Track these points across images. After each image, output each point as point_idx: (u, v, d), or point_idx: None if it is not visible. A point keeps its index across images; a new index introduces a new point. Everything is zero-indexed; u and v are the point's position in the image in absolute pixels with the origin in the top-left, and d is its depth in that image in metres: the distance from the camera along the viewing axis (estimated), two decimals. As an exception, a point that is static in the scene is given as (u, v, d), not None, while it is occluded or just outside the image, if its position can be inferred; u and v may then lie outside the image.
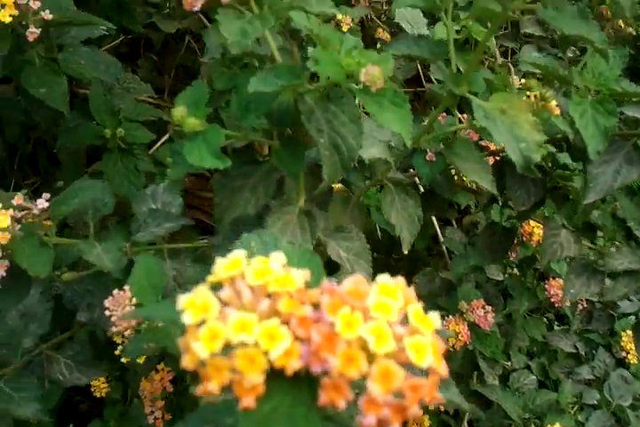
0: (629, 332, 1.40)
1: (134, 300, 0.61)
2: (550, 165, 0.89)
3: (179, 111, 0.53)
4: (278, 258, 0.27)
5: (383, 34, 1.53)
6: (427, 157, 0.81)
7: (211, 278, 0.27)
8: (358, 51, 0.50)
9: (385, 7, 1.51)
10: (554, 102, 0.72)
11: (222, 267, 0.27)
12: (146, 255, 0.64)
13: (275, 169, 0.60)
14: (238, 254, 0.27)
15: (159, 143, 1.35)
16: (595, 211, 0.99)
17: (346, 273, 0.65)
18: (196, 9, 0.52)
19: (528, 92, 0.72)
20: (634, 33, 0.87)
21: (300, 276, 0.26)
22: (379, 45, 1.42)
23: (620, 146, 0.78)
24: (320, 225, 0.66)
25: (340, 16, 1.42)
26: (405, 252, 0.70)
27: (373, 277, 0.27)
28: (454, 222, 1.57)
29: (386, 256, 1.71)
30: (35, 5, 0.74)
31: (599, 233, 1.02)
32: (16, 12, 0.72)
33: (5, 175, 1.72)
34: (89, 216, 0.72)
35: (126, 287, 0.61)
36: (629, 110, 0.74)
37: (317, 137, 0.52)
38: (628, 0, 0.76)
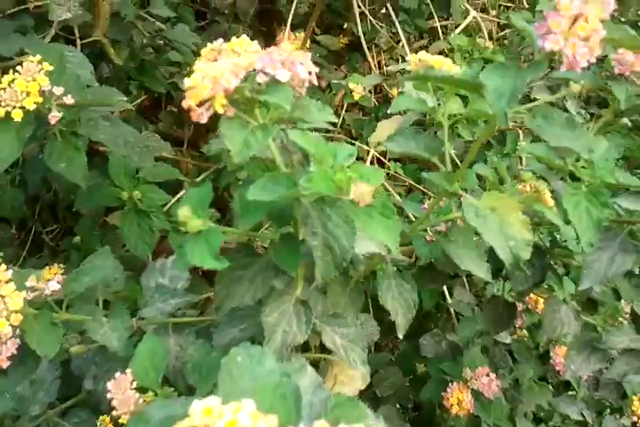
0: (641, 395, 1.38)
1: (135, 383, 0.63)
2: (549, 245, 0.91)
3: (183, 211, 0.56)
4: (248, 406, 0.30)
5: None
6: (427, 238, 0.84)
7: (185, 423, 0.30)
8: (351, 165, 0.53)
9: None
10: (547, 194, 0.75)
11: (196, 413, 0.30)
12: (150, 336, 0.67)
13: (273, 262, 0.63)
14: (212, 403, 0.30)
15: (174, 199, 1.40)
16: (597, 286, 1.01)
17: (340, 359, 0.67)
18: (203, 121, 0.56)
19: (522, 184, 0.75)
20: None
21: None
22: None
23: (616, 233, 0.80)
24: (318, 309, 0.69)
25: (352, 85, 1.48)
26: (401, 336, 0.72)
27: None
28: (465, 280, 1.58)
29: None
30: (58, 91, 0.80)
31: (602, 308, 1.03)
32: (40, 100, 0.77)
33: (26, 223, 1.77)
34: (99, 292, 0.76)
35: (128, 371, 0.64)
36: (623, 201, 0.76)
37: (311, 240, 0.55)
38: (622, 93, 0.79)
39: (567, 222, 0.74)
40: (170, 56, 1.59)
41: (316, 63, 1.85)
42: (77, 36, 1.20)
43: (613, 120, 0.81)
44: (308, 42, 1.89)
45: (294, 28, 1.91)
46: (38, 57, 0.78)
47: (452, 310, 1.46)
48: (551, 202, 0.75)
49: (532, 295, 1.18)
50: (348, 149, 0.57)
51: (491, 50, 1.30)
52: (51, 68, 0.78)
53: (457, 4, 1.58)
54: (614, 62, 0.81)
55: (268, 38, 1.99)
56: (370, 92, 1.55)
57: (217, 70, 0.56)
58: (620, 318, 1.03)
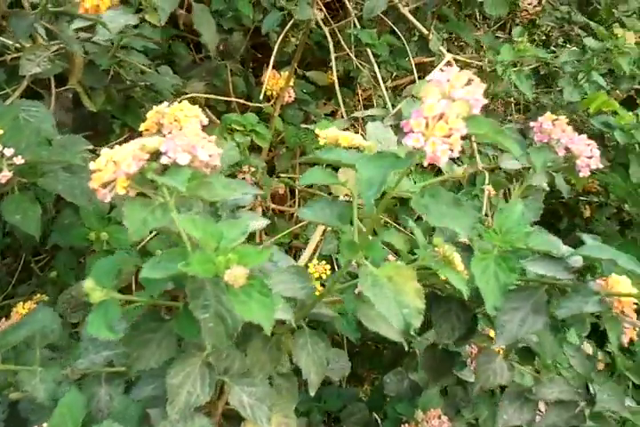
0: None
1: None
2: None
3: (88, 283, 0.62)
4: None
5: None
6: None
7: None
8: (237, 247, 0.58)
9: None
10: (457, 258, 0.79)
11: None
12: (73, 390, 0.72)
13: (179, 326, 0.67)
14: None
15: (149, 237, 1.45)
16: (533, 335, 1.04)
17: (247, 418, 0.71)
18: (106, 200, 0.61)
19: (434, 249, 0.79)
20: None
21: None
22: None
23: (530, 294, 0.83)
24: (235, 367, 0.74)
25: (318, 131, 1.54)
26: (312, 393, 0.76)
27: None
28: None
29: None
30: (8, 153, 0.86)
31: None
32: (-12, 162, 0.83)
33: (17, 251, 1.85)
34: (36, 343, 0.81)
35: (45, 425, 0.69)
36: (532, 266, 0.80)
37: (200, 313, 0.59)
38: (539, 160, 0.83)
39: (475, 286, 0.78)
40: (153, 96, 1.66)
41: (302, 100, 1.89)
42: (53, 84, 1.27)
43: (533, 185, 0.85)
44: (293, 78, 1.95)
45: (283, 65, 1.97)
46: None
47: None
48: (461, 266, 0.79)
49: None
50: (239, 228, 0.62)
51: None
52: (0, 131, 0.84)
53: (435, 45, 1.63)
54: (535, 130, 0.85)
55: (260, 74, 2.03)
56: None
57: (120, 155, 0.61)
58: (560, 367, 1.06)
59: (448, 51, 1.85)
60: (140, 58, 1.40)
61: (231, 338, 0.62)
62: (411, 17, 1.60)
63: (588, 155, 0.81)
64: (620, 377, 1.33)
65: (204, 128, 0.92)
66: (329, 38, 1.62)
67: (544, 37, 1.86)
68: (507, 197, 1.13)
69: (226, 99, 1.80)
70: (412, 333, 0.68)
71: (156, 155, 0.65)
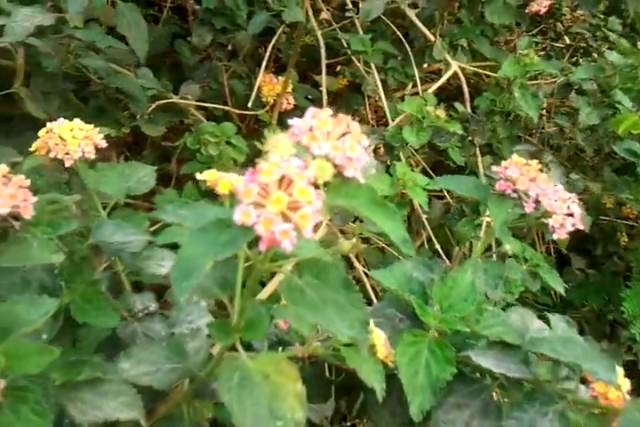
0: None
1: None
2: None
3: None
4: None
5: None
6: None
7: None
8: (13, 344, 0.42)
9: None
10: (381, 342, 0.61)
11: None
12: None
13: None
14: None
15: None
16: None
17: None
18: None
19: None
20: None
21: None
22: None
23: (479, 389, 0.64)
24: None
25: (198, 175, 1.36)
26: None
27: None
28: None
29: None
30: None
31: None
32: None
33: None
34: None
35: None
36: (477, 357, 0.61)
37: None
38: (500, 214, 0.65)
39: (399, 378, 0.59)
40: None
41: (304, 108, 1.72)
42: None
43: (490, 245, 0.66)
44: (294, 84, 1.78)
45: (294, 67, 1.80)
46: None
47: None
48: (384, 350, 0.61)
49: None
50: (42, 307, 0.46)
51: (444, 118, 1.15)
52: None
53: (439, 52, 1.43)
54: (498, 177, 0.66)
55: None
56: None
57: None
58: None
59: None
60: (98, 60, 1.25)
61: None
62: (416, 21, 1.41)
63: (566, 212, 0.62)
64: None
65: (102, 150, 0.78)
66: (321, 42, 1.44)
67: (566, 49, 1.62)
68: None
69: (208, 105, 1.64)
70: (282, 454, 0.50)
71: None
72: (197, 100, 1.71)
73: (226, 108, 1.69)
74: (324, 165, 0.40)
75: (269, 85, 1.76)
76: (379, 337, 0.61)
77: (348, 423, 1.73)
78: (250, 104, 1.62)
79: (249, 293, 0.51)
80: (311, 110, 0.44)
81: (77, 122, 0.75)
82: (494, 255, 0.70)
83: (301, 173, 0.39)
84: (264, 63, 1.65)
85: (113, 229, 0.64)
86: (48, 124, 0.75)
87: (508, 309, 0.66)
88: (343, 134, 0.43)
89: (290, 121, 0.43)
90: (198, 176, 0.59)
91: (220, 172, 1.50)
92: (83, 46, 1.22)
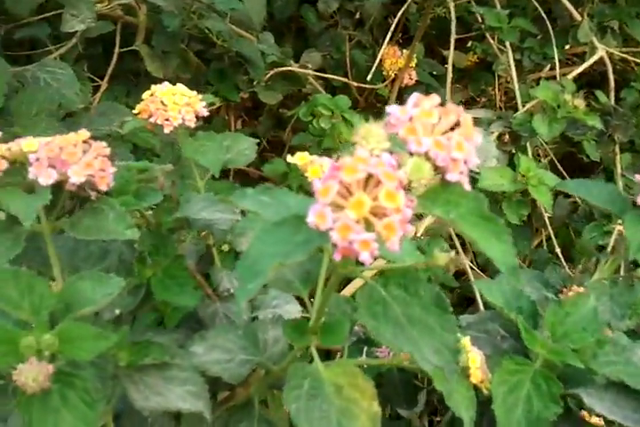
0: None
1: None
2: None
3: None
4: None
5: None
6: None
7: None
8: (69, 325, 0.39)
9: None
10: (477, 361, 0.53)
11: None
12: None
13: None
14: None
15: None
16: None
17: None
18: None
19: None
20: None
21: None
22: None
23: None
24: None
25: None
26: None
27: None
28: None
29: None
30: None
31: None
32: None
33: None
34: None
35: None
36: (594, 401, 0.51)
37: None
38: None
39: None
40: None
41: (426, 84, 1.61)
42: (118, 45, 1.15)
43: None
44: (418, 59, 1.68)
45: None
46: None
47: None
48: (477, 377, 0.53)
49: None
50: (108, 287, 0.42)
51: (582, 109, 1.01)
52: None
53: (585, 35, 1.27)
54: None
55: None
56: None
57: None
58: None
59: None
60: (219, 23, 1.22)
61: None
62: (564, -3, 1.26)
63: None
64: None
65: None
66: (453, 15, 1.33)
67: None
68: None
69: (326, 75, 1.58)
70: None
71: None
72: (318, 70, 1.66)
73: (344, 79, 1.62)
74: (422, 166, 0.33)
75: (392, 58, 1.67)
76: (474, 359, 0.53)
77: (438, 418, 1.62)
78: (369, 77, 1.54)
79: (329, 292, 0.45)
80: (414, 96, 0.36)
81: (181, 87, 0.71)
82: (623, 277, 0.60)
83: (392, 173, 0.32)
84: (389, 34, 1.55)
85: (202, 204, 0.60)
86: (152, 86, 0.73)
87: (634, 343, 0.56)
88: (452, 128, 0.35)
89: (387, 108, 0.35)
90: (289, 159, 0.54)
91: (330, 148, 1.44)
92: (205, 7, 1.20)
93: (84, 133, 0.46)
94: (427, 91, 1.82)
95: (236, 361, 0.54)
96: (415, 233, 1.26)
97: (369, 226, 0.32)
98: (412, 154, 0.34)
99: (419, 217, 1.33)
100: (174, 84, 0.71)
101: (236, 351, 0.55)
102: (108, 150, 0.46)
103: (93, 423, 0.37)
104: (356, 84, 1.64)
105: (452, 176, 0.34)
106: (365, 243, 0.31)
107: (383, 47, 1.59)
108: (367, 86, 1.66)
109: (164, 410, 0.49)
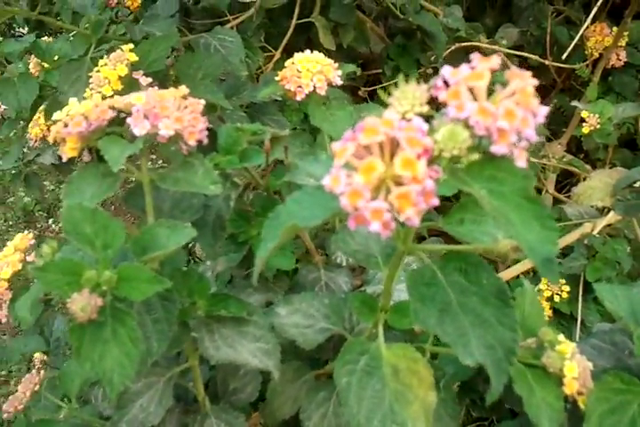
0: None
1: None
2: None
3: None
4: None
5: None
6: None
7: None
8: (130, 266, 0.42)
9: None
10: (573, 369, 0.46)
11: None
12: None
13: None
14: None
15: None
16: None
17: None
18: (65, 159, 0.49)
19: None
20: None
21: None
22: None
23: None
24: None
25: (586, 114, 1.08)
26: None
27: None
28: None
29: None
30: (144, 82, 0.78)
31: None
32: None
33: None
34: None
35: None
36: None
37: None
38: None
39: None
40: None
41: (633, 66, 1.44)
42: (295, 16, 1.18)
43: None
44: (627, 36, 1.48)
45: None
46: (130, 46, 0.77)
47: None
48: (573, 387, 0.46)
49: None
50: (179, 235, 0.44)
51: None
52: (136, 58, 0.77)
53: None
54: None
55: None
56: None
57: (79, 110, 0.48)
58: None
59: None
60: (399, -6, 1.19)
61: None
62: None
63: None
64: None
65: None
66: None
67: None
68: None
69: (518, 53, 1.47)
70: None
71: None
72: (515, 47, 1.55)
73: (537, 58, 1.49)
74: (458, 134, 0.29)
75: (599, 36, 1.50)
76: (572, 368, 0.46)
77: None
78: (564, 56, 1.40)
79: (393, 270, 0.42)
80: (476, 56, 0.32)
81: (318, 55, 0.71)
82: None
83: (417, 138, 0.28)
84: (595, 8, 1.39)
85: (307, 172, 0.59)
86: (295, 55, 0.73)
87: None
88: (512, 97, 0.30)
89: (444, 68, 0.31)
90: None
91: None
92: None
93: (182, 89, 0.48)
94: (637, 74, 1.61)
95: (316, 328, 0.54)
96: (591, 231, 1.14)
97: (385, 195, 0.29)
98: (452, 121, 0.30)
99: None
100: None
101: (318, 318, 0.54)
102: (201, 106, 0.48)
103: (135, 359, 0.39)
104: (554, 63, 1.50)
105: (497, 148, 0.29)
106: (377, 212, 0.28)
107: (587, 22, 1.43)
108: (565, 66, 1.51)
109: (231, 362, 0.50)
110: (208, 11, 1.07)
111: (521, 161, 0.30)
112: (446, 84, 0.32)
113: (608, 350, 0.54)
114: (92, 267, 0.40)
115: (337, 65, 0.71)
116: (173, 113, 0.46)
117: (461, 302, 0.36)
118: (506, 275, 0.92)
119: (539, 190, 1.39)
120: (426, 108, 0.31)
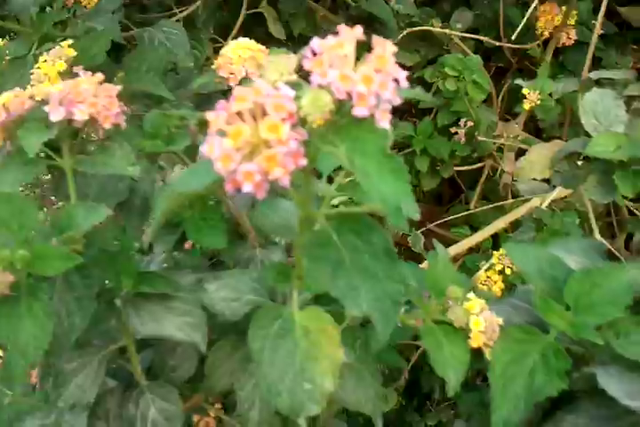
0: None
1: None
2: None
3: None
4: None
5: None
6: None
7: None
8: (43, 245, 0.44)
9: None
10: (479, 325, 0.49)
11: None
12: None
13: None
14: None
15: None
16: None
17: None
18: None
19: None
20: None
21: None
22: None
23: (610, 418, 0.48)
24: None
25: (527, 90, 1.10)
26: None
27: None
28: None
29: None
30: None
31: None
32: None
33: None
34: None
35: None
36: (609, 382, 0.44)
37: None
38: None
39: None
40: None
41: (583, 44, 1.48)
42: (245, 7, 1.20)
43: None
44: (573, 17, 1.51)
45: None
46: (69, 41, 0.79)
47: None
48: (479, 340, 0.49)
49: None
50: (95, 214, 0.47)
51: None
52: (74, 53, 0.78)
53: None
54: None
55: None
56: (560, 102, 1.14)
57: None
58: None
59: None
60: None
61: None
62: None
63: None
64: None
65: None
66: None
67: None
68: None
69: (468, 35, 1.50)
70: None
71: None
72: (470, 30, 1.58)
73: (491, 40, 1.52)
74: (320, 99, 0.31)
75: (548, 16, 1.53)
76: (478, 322, 0.49)
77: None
78: (514, 36, 1.43)
79: (300, 237, 0.45)
80: (342, 28, 0.34)
81: (249, 42, 0.73)
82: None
83: (281, 104, 0.31)
84: (540, -15, 1.42)
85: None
86: (231, 42, 0.76)
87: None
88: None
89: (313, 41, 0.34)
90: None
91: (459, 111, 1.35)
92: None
93: (98, 76, 0.51)
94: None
95: (243, 300, 0.56)
96: (541, 204, 1.17)
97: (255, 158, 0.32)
98: (321, 87, 0.33)
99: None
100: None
101: (245, 291, 0.57)
102: (115, 91, 0.50)
103: (48, 332, 0.42)
104: (508, 44, 1.53)
105: (358, 111, 0.32)
106: (248, 174, 0.31)
107: (535, 2, 1.45)
108: (519, 47, 1.54)
109: (158, 337, 0.52)
110: (157, 5, 1.09)
111: (383, 122, 0.33)
112: (315, 54, 0.34)
113: (524, 308, 0.56)
114: (7, 248, 0.43)
115: (267, 51, 0.73)
116: (88, 99, 0.48)
117: (354, 260, 0.39)
118: (454, 249, 0.95)
119: (494, 170, 1.43)
120: (294, 77, 0.33)
